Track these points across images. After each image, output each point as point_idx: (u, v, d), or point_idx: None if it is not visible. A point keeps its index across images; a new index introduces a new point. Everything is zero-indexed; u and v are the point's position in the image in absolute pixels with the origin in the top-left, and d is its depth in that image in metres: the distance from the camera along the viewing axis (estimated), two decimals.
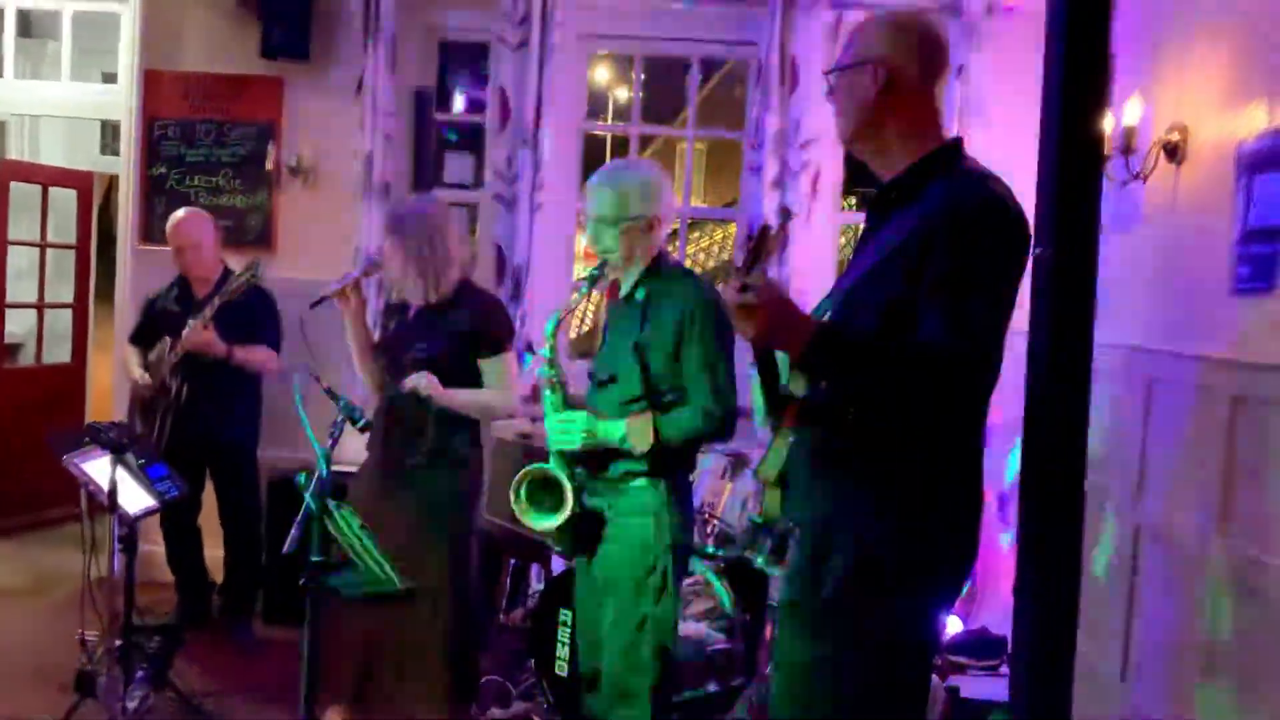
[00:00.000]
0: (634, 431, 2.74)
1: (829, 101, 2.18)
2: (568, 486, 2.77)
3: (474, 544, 3.50)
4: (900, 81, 2.06)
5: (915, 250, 1.93)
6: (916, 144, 2.08)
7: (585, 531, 2.83)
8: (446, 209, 3.57)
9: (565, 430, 2.79)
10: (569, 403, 2.84)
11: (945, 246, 1.91)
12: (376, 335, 3.67)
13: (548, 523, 2.82)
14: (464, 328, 3.36)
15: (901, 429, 1.96)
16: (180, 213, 4.57)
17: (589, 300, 3.48)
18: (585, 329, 12.07)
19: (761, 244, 1.94)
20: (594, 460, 2.82)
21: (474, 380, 3.39)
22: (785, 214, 4.77)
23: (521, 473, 2.85)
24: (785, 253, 4.79)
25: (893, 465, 1.98)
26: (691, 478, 3.07)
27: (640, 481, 2.79)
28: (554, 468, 2.80)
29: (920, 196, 2.01)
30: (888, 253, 1.99)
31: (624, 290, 2.90)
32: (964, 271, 1.89)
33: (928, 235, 1.92)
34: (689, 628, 3.58)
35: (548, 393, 2.85)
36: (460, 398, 3.34)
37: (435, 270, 3.34)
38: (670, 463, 2.80)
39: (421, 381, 3.26)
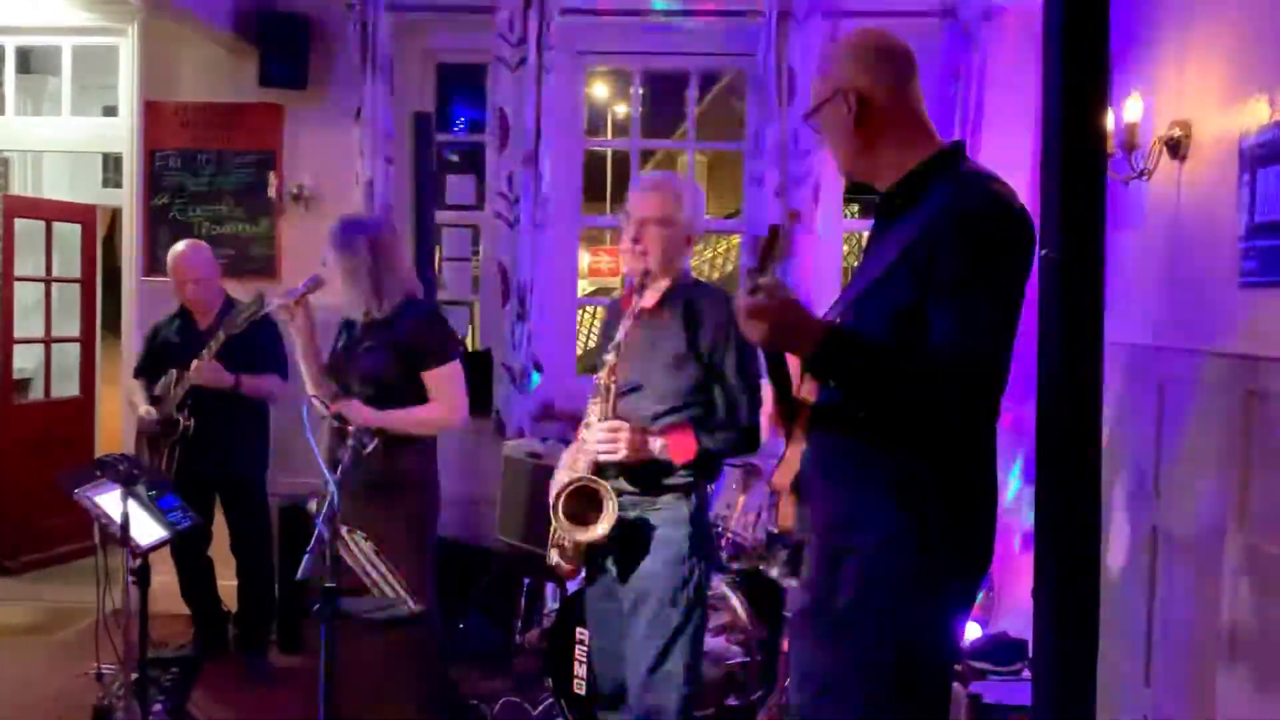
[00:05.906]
0: (675, 443, 2.73)
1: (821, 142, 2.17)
2: (610, 494, 2.68)
3: (432, 565, 3.44)
4: (873, 101, 2.04)
5: (922, 254, 1.91)
6: (911, 153, 2.06)
7: (626, 541, 2.77)
8: (394, 227, 3.64)
9: (612, 439, 2.72)
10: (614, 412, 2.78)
11: (952, 248, 1.89)
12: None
13: (590, 535, 2.72)
14: (404, 341, 3.35)
15: (913, 432, 1.94)
16: (179, 246, 4.55)
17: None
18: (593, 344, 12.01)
19: (772, 244, 1.94)
20: (628, 472, 2.77)
21: (423, 394, 3.37)
22: (793, 216, 4.75)
23: (559, 488, 2.76)
24: (789, 262, 4.78)
25: (904, 468, 1.96)
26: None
27: (671, 494, 2.78)
28: (592, 478, 2.73)
29: (923, 200, 1.99)
30: (894, 259, 1.97)
31: (651, 300, 2.85)
32: (972, 273, 1.88)
33: (933, 238, 1.91)
34: (706, 643, 3.55)
35: (596, 402, 2.79)
36: (391, 417, 3.29)
37: (380, 286, 3.35)
38: (704, 475, 2.81)
39: (344, 408, 3.20)
